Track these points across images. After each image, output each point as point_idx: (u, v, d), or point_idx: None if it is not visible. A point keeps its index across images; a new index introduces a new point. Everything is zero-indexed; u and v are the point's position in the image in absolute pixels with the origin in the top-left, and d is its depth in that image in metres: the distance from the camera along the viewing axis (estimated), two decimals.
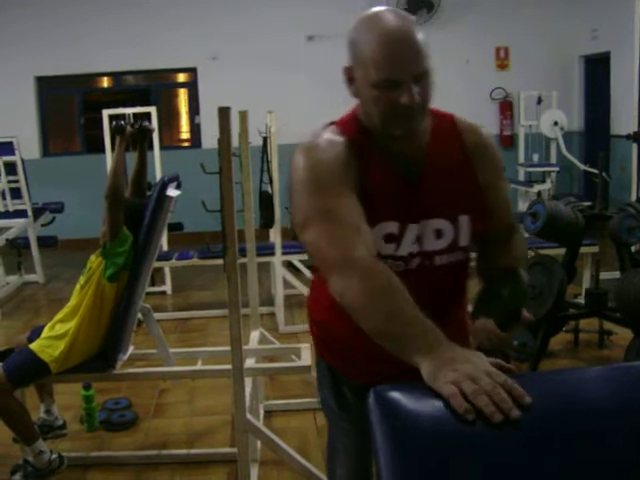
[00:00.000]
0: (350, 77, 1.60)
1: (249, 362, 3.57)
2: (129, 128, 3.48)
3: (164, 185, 3.29)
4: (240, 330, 2.86)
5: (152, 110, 6.66)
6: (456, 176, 1.68)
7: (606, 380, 1.37)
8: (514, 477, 1.17)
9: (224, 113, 2.73)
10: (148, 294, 6.66)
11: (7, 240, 6.57)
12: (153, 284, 6.81)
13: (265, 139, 5.67)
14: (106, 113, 6.51)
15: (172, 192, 3.35)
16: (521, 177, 8.64)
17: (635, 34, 6.32)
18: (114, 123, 3.55)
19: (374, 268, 1.45)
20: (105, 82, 9.68)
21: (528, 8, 9.12)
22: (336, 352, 1.86)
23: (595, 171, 8.01)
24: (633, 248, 4.57)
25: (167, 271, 6.80)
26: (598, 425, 1.23)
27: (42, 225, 7.42)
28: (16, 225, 6.82)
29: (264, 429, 3.03)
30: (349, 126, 1.65)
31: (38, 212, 7.36)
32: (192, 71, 9.29)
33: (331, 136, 1.64)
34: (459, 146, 1.69)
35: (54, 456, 3.35)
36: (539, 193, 8.00)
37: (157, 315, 5.90)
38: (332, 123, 1.70)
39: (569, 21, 9.05)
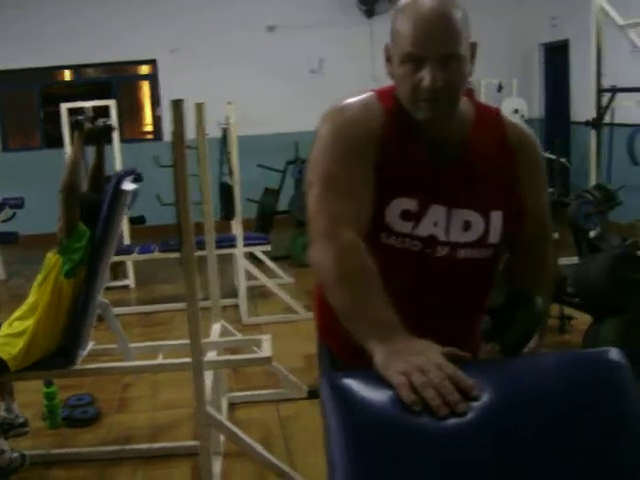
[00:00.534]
0: (388, 55, 1.56)
1: (210, 355, 3.57)
2: (88, 124, 3.44)
3: (120, 179, 3.26)
4: (198, 323, 2.86)
5: (111, 103, 6.59)
6: (494, 169, 1.62)
7: (556, 367, 1.39)
8: (465, 465, 1.20)
9: (177, 106, 2.72)
10: (111, 288, 6.65)
11: None
12: (115, 278, 6.78)
13: (225, 130, 5.65)
14: (64, 107, 6.43)
15: (128, 186, 3.32)
16: None
17: (592, 22, 6.36)
18: (72, 118, 3.51)
19: (352, 249, 1.44)
20: (65, 75, 9.57)
21: None
22: (335, 336, 1.74)
23: (559, 158, 8.13)
24: (592, 234, 4.63)
25: (130, 265, 6.76)
26: (547, 411, 1.26)
27: (2, 221, 7.32)
28: None
29: (225, 422, 3.03)
30: (387, 97, 1.60)
31: None
32: (152, 63, 9.23)
33: (368, 102, 1.60)
34: (501, 140, 1.63)
35: (15, 455, 3.33)
36: None
37: (120, 309, 5.94)
38: (374, 90, 1.65)
39: (529, 9, 9.14)
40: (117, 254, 6.09)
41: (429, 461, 1.19)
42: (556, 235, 5.48)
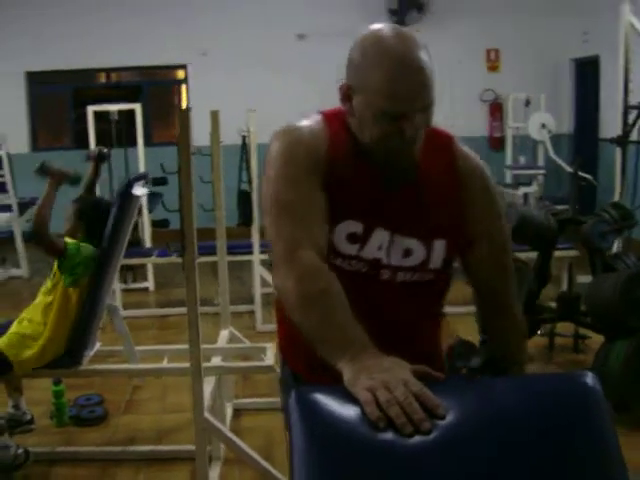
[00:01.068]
0: (346, 95, 1.53)
1: (215, 360, 3.60)
2: (56, 169, 3.45)
3: (129, 184, 3.31)
4: (198, 329, 2.88)
5: (137, 107, 6.68)
6: (442, 195, 1.61)
7: (528, 390, 1.38)
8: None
9: (184, 114, 2.76)
10: (131, 290, 6.73)
11: None
12: (135, 280, 6.85)
13: (244, 138, 5.69)
14: (91, 109, 6.55)
15: (138, 191, 3.37)
16: (508, 180, 8.66)
17: (620, 38, 6.32)
18: (37, 165, 3.49)
19: (314, 271, 1.44)
20: (98, 78, 9.71)
21: (519, 10, 9.14)
22: (299, 356, 1.77)
23: (583, 175, 8.06)
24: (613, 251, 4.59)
25: (150, 267, 6.82)
26: (514, 434, 1.25)
27: (28, 220, 7.43)
28: (0, 219, 6.84)
29: (223, 428, 3.05)
30: (336, 121, 1.60)
31: (25, 207, 7.37)
32: (183, 68, 9.33)
33: (314, 126, 1.59)
34: (450, 166, 1.62)
35: (20, 451, 3.37)
36: (525, 196, 8.03)
37: (138, 312, 6.01)
38: (321, 112, 1.64)
39: (560, 24, 9.06)
40: (137, 256, 6.19)
41: (390, 472, 1.19)
42: (576, 253, 5.47)
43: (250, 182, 5.61)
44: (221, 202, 3.91)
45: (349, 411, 1.25)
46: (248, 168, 5.61)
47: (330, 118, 1.61)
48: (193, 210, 2.81)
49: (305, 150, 1.55)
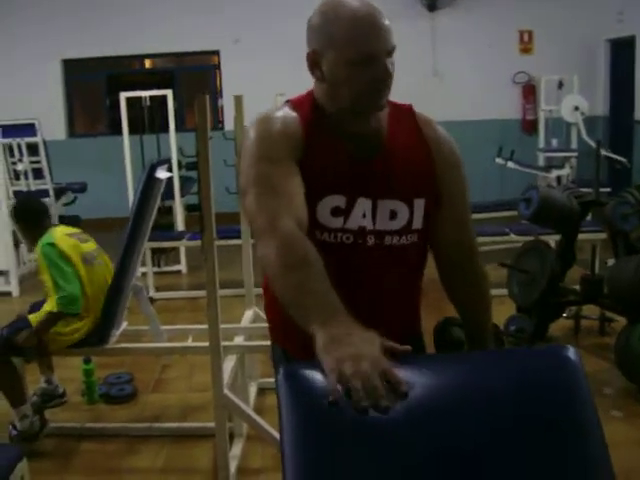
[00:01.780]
0: (314, 62, 1.64)
1: (238, 339, 3.69)
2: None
3: (152, 168, 3.40)
4: (217, 309, 2.97)
5: (168, 93, 6.78)
6: (413, 160, 1.71)
7: (507, 363, 1.43)
8: (407, 454, 1.24)
9: (201, 100, 2.84)
10: (164, 273, 6.87)
11: None
12: (167, 264, 6.99)
13: None
14: (123, 96, 6.66)
15: (162, 174, 3.46)
16: (541, 162, 8.61)
17: None
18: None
19: (294, 239, 1.49)
20: (134, 65, 9.85)
21: None
22: (289, 335, 1.79)
23: (617, 157, 7.99)
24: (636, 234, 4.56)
25: (182, 251, 6.94)
26: (491, 406, 1.30)
27: (64, 205, 7.62)
28: None
29: (242, 405, 3.13)
30: (304, 105, 1.70)
31: (61, 192, 7.55)
32: (215, 54, 9.42)
33: (285, 112, 1.69)
34: (416, 132, 1.73)
35: (35, 419, 3.50)
36: (558, 179, 7.98)
37: (171, 294, 6.15)
38: (288, 101, 1.74)
39: (594, 4, 8.96)
40: (168, 240, 6.32)
41: (372, 450, 1.24)
42: (603, 235, 5.45)
43: None
44: None
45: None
46: None
47: (298, 104, 1.71)
48: (211, 193, 2.89)
49: (281, 134, 1.63)
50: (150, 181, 3.40)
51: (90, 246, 3.61)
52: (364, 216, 1.68)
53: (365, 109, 1.65)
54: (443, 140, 1.75)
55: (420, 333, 1.88)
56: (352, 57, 1.57)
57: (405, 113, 1.75)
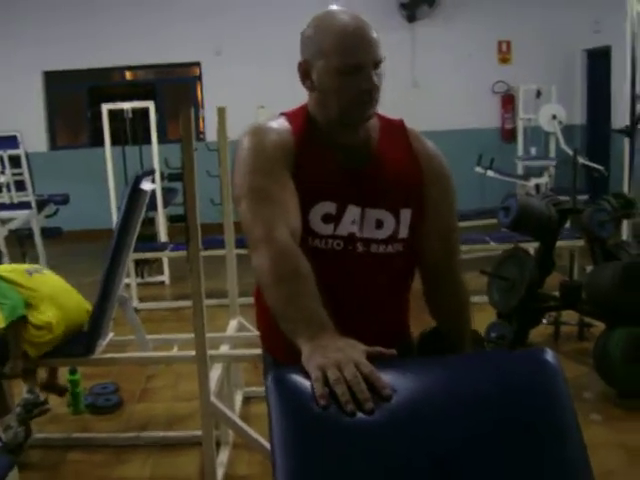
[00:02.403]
0: (306, 71, 1.70)
1: (223, 348, 3.73)
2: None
3: (137, 179, 3.44)
4: (203, 318, 3.02)
5: (150, 105, 6.82)
6: (402, 172, 1.76)
7: (487, 366, 1.45)
8: (392, 458, 1.27)
9: (186, 113, 2.88)
10: (148, 284, 6.89)
11: (10, 231, 6.77)
12: (150, 274, 7.01)
13: None
14: (105, 107, 6.69)
15: (147, 186, 3.50)
16: (520, 171, 8.71)
17: (627, 27, 6.36)
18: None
19: (288, 251, 1.53)
20: (115, 76, 9.88)
21: (530, 1, 9.18)
22: (279, 344, 1.77)
23: (594, 165, 8.10)
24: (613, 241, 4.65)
25: (165, 261, 6.97)
26: (471, 409, 1.33)
27: (46, 216, 7.60)
28: (19, 217, 7.02)
29: (228, 412, 3.17)
30: (297, 117, 1.75)
31: (43, 204, 7.54)
32: (197, 65, 9.47)
33: (278, 123, 1.74)
34: (406, 145, 1.79)
35: (19, 429, 3.53)
36: (537, 187, 8.08)
37: (154, 304, 6.18)
38: (282, 114, 1.78)
39: (571, 14, 9.10)
40: (151, 250, 6.35)
41: (361, 453, 1.27)
42: (582, 242, 5.54)
43: None
44: (228, 196, 4.03)
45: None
46: None
47: (292, 116, 1.76)
48: (196, 204, 2.94)
49: (273, 144, 1.68)
50: (135, 193, 3.44)
51: (30, 265, 3.82)
52: (353, 222, 1.73)
53: (352, 120, 1.71)
54: (432, 154, 1.81)
55: (409, 339, 1.93)
56: (339, 66, 1.64)
57: (396, 127, 1.82)
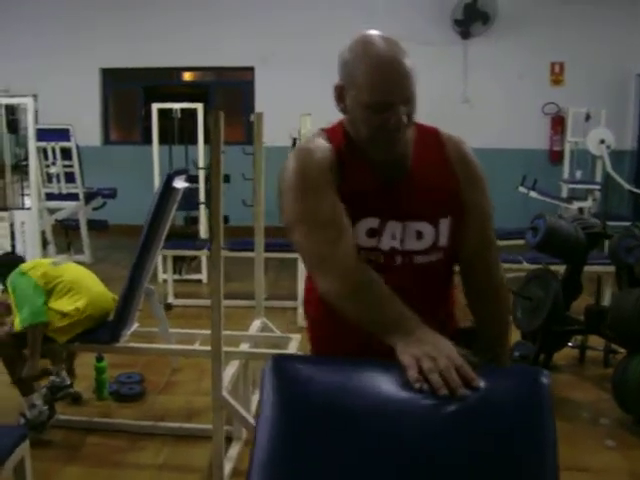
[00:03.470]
0: (340, 95, 1.73)
1: (243, 347, 3.84)
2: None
3: (169, 178, 3.57)
4: (220, 315, 3.13)
5: (199, 106, 6.99)
6: (437, 181, 1.79)
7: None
8: (376, 450, 1.35)
9: (216, 115, 2.99)
10: (185, 281, 7.04)
11: (57, 221, 7.00)
12: (187, 272, 7.15)
13: (294, 140, 5.92)
14: (155, 107, 6.88)
15: (179, 184, 3.62)
16: (564, 194, 8.66)
17: None
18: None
19: (353, 265, 1.63)
20: (170, 77, 10.11)
21: (586, 24, 9.14)
22: (326, 349, 1.92)
23: (638, 191, 8.03)
24: None
25: (204, 260, 7.10)
26: (453, 421, 1.37)
27: (94, 209, 7.85)
28: (67, 207, 7.26)
29: (239, 407, 3.27)
30: (336, 134, 1.79)
31: (91, 196, 7.79)
32: (250, 70, 9.64)
33: (320, 143, 1.78)
34: (441, 155, 1.81)
35: (44, 408, 3.68)
36: (580, 210, 8.03)
37: (189, 301, 6.30)
38: (322, 130, 1.83)
39: (627, 38, 9.05)
40: (190, 249, 6.50)
41: (343, 440, 1.36)
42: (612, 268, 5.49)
43: None
44: (261, 199, 4.14)
45: (322, 379, 1.45)
46: None
47: (331, 133, 1.81)
48: (221, 204, 3.04)
49: (317, 165, 1.73)
50: (167, 190, 3.57)
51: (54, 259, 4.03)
52: (393, 237, 1.79)
53: (379, 150, 1.73)
54: (466, 159, 1.83)
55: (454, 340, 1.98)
56: (368, 101, 1.66)
57: (430, 136, 1.84)
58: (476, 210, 1.84)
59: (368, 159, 1.76)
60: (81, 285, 3.69)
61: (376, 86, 1.64)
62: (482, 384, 1.39)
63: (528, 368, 1.52)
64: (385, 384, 1.44)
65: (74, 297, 3.62)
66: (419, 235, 1.80)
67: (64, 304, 3.59)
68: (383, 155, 1.74)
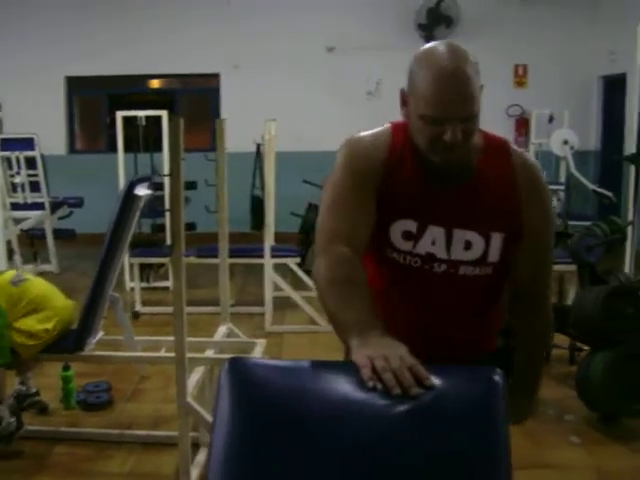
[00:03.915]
0: (404, 100, 1.71)
1: (208, 353, 3.84)
2: None
3: (132, 185, 3.56)
4: (183, 322, 3.13)
5: (163, 114, 6.98)
6: (498, 195, 1.75)
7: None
8: (329, 452, 1.35)
9: (175, 122, 3.00)
10: (154, 289, 7.02)
11: (22, 230, 6.95)
12: (154, 280, 7.14)
13: (259, 146, 5.94)
14: (120, 114, 6.86)
15: (141, 191, 3.62)
16: None
17: (637, 58, 6.41)
18: None
19: (343, 260, 1.65)
20: (135, 84, 10.08)
21: (548, 26, 9.30)
22: None
23: (604, 191, 8.13)
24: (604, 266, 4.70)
25: (171, 267, 7.07)
26: (405, 418, 1.37)
27: (59, 218, 7.80)
28: (33, 217, 7.21)
29: (204, 413, 3.27)
30: (400, 131, 1.77)
31: (57, 206, 7.74)
32: (215, 77, 9.65)
33: (378, 137, 1.78)
34: (507, 167, 1.76)
35: (11, 420, 3.66)
36: None
37: (157, 309, 6.29)
38: (391, 124, 1.81)
39: (588, 41, 9.20)
40: (156, 256, 6.49)
41: (298, 442, 1.37)
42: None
43: (263, 188, 5.85)
44: (224, 205, 4.15)
45: (275, 380, 1.45)
46: (261, 175, 5.85)
47: (396, 128, 1.79)
48: (182, 211, 3.05)
49: (362, 159, 1.75)
50: (129, 197, 3.56)
51: (12, 273, 3.81)
52: (433, 243, 1.76)
53: (434, 160, 1.70)
54: (535, 181, 1.78)
55: (492, 351, 1.97)
56: (423, 113, 1.64)
57: (500, 148, 1.79)
58: (533, 236, 1.79)
59: (425, 162, 1.73)
60: (46, 302, 3.62)
61: (432, 100, 1.61)
62: (436, 383, 1.40)
63: (482, 367, 1.51)
64: (341, 386, 1.45)
65: (41, 316, 3.57)
66: (467, 245, 1.76)
67: (31, 324, 3.52)
68: (439, 163, 1.71)
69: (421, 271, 1.78)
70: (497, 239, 1.76)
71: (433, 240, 1.76)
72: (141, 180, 3.70)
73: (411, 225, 1.76)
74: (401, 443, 1.36)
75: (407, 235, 1.76)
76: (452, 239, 1.76)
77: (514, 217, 1.75)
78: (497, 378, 1.44)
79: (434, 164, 1.72)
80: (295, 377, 1.49)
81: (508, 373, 1.86)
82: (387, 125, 1.81)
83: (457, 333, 1.85)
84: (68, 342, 3.68)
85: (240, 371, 1.49)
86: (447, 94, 1.60)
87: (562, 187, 8.42)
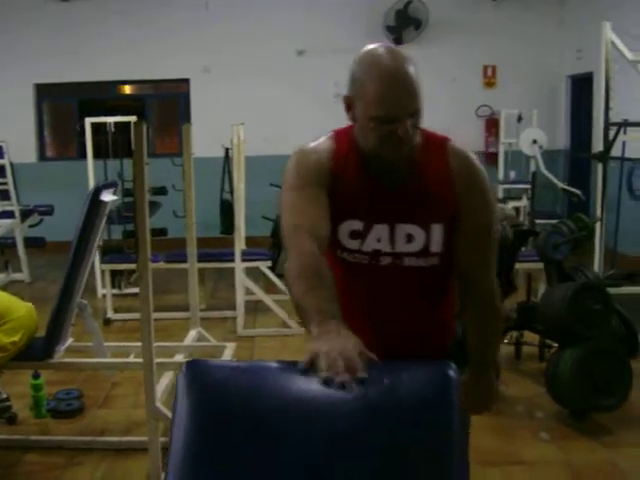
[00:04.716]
0: (349, 105, 1.78)
1: (178, 357, 3.84)
2: None
3: (97, 191, 3.56)
4: (151, 327, 3.14)
5: (132, 119, 6.94)
6: (434, 189, 1.82)
7: (381, 372, 1.47)
8: (283, 451, 1.38)
9: (138, 127, 3.00)
10: (125, 296, 6.98)
11: None
12: (126, 286, 7.10)
13: (227, 150, 5.95)
14: (89, 121, 6.82)
15: (107, 197, 3.62)
16: (500, 194, 8.84)
17: (601, 55, 6.49)
18: None
19: (310, 255, 1.69)
20: (103, 90, 10.04)
21: (516, 27, 9.38)
22: None
23: (572, 189, 8.22)
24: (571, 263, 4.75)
25: None
26: (360, 414, 1.40)
27: (30, 226, 7.74)
28: (3, 225, 7.16)
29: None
30: (343, 137, 1.86)
31: (27, 214, 7.68)
32: (185, 82, 9.63)
33: (321, 144, 1.86)
34: (444, 163, 1.82)
35: None
36: (516, 210, 8.20)
37: (130, 315, 6.26)
38: (334, 132, 1.89)
39: (556, 40, 9.31)
40: (127, 262, 6.46)
41: (254, 442, 1.39)
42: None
43: (232, 192, 5.85)
44: (191, 210, 4.15)
45: (231, 381, 1.48)
46: (230, 179, 5.86)
47: (339, 135, 1.88)
48: (146, 215, 3.05)
49: (311, 165, 1.82)
50: (94, 203, 3.56)
51: None
52: (379, 240, 1.85)
53: (385, 158, 1.77)
54: (470, 170, 1.84)
55: (448, 346, 2.00)
56: (374, 114, 1.71)
57: (437, 144, 1.85)
58: (472, 222, 1.85)
59: (370, 165, 1.82)
60: (9, 314, 3.59)
61: (382, 100, 1.68)
62: (365, 376, 1.41)
63: (436, 362, 1.54)
64: (300, 385, 1.46)
65: (6, 328, 3.55)
66: (409, 238, 1.84)
67: None
68: (390, 159, 1.78)
69: (369, 266, 1.86)
70: (437, 230, 1.84)
71: (379, 237, 1.84)
72: (107, 186, 3.70)
73: (358, 225, 1.84)
74: (356, 439, 1.38)
75: (354, 234, 1.85)
76: (395, 234, 1.84)
77: (452, 206, 1.82)
78: (451, 372, 1.46)
79: (381, 164, 1.80)
80: (252, 378, 1.51)
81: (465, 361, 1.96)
82: (330, 133, 1.89)
83: (409, 325, 1.93)
84: (36, 350, 3.67)
85: (197, 373, 1.51)
86: (395, 92, 1.68)
87: (529, 186, 8.49)
